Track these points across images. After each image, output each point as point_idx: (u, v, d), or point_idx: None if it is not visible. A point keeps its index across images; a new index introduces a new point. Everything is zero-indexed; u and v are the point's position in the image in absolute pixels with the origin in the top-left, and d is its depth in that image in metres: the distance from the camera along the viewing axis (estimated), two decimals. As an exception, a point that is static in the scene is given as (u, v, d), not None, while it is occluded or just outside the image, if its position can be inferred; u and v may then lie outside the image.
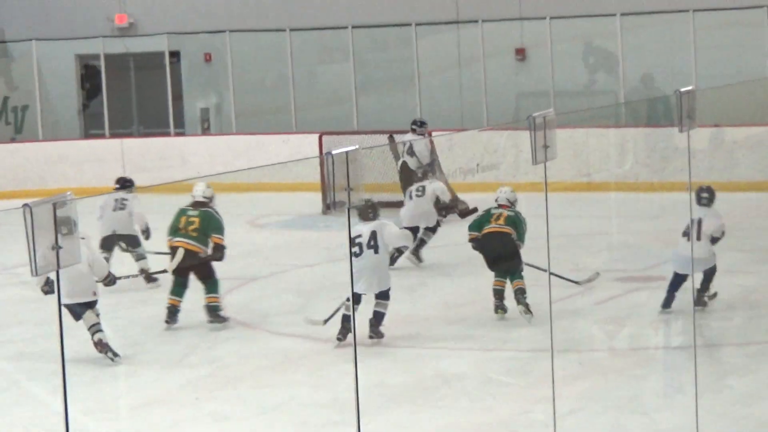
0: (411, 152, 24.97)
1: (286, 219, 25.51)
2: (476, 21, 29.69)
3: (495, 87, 29.19)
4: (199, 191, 16.24)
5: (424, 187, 18.96)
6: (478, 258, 16.93)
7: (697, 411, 9.20)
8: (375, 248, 15.80)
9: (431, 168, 25.15)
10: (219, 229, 17.89)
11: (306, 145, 27.74)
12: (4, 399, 14.09)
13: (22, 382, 15.13)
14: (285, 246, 23.64)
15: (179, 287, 16.79)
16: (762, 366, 13.70)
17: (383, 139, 25.81)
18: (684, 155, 9.58)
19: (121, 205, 20.54)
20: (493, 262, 16.98)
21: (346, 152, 8.35)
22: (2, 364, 16.27)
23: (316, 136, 27.16)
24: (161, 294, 18.38)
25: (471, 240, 17.17)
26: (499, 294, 16.55)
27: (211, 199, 17.10)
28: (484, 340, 16.20)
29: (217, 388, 14.65)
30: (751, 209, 21.56)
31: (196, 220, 17.23)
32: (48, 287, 15.19)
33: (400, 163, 25.07)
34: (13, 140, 32.10)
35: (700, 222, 15.52)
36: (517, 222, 17.05)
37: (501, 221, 16.88)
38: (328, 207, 24.80)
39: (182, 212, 17.15)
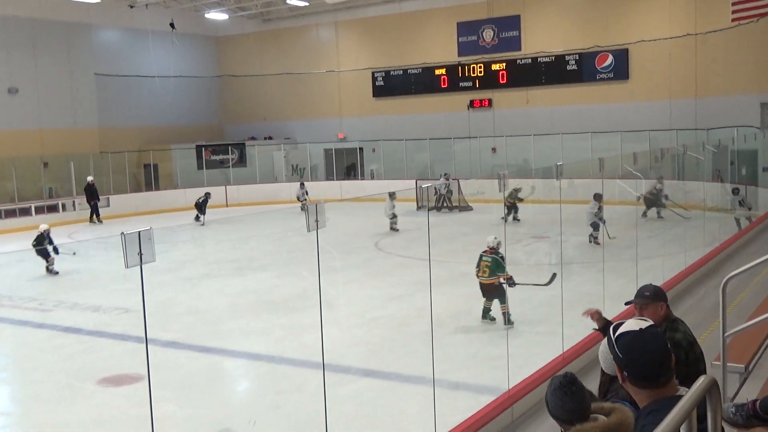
0: (446, 187, 25.77)
1: (404, 211, 22.84)
2: (475, 137, 30.55)
3: (483, 161, 29.69)
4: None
5: None
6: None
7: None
8: None
9: (451, 193, 26.25)
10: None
11: (410, 183, 27.64)
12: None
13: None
14: (404, 221, 22.22)
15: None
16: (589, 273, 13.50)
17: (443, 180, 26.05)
18: (557, 189, 8.99)
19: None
20: None
21: (427, 186, 12.21)
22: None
23: (414, 180, 28.15)
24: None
25: None
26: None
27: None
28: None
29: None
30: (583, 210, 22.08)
31: None
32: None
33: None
34: (299, 180, 31.07)
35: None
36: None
37: None
38: (418, 207, 24.35)
39: None
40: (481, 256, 10.87)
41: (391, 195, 21.22)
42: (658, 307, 4.47)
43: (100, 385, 9.07)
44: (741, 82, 24.51)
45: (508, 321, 10.62)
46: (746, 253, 14.40)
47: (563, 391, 3.14)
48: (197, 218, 24.87)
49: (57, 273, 16.30)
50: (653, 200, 20.14)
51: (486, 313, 10.93)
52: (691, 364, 4.40)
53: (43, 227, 16.72)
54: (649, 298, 4.49)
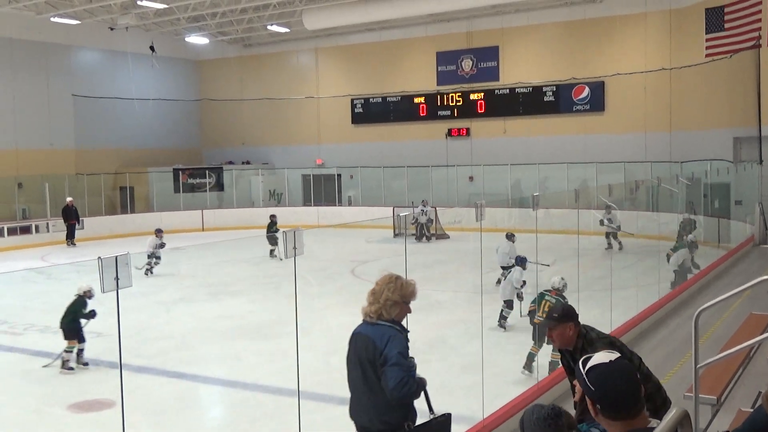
0: (425, 216, 25.51)
1: (380, 238, 25.09)
2: (453, 165, 31.25)
3: (460, 190, 30.41)
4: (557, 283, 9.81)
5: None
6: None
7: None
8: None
9: (431, 221, 25.87)
10: None
11: (387, 211, 27.61)
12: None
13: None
14: (381, 248, 23.45)
15: None
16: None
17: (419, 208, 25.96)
18: (533, 219, 8.94)
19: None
20: None
21: (405, 214, 11.67)
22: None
23: (391, 207, 27.86)
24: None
25: None
26: None
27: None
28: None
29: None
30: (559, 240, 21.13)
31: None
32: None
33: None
34: (276, 206, 32.07)
35: None
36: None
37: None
38: (395, 234, 25.42)
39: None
40: (543, 295, 9.88)
41: None
42: (566, 328, 4.53)
43: (69, 411, 8.92)
44: (714, 117, 24.87)
45: (529, 367, 9.70)
46: (719, 285, 14.56)
47: (548, 423, 3.13)
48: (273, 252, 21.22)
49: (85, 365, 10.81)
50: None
51: (532, 359, 9.73)
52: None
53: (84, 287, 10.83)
54: (556, 319, 4.56)
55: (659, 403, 4.50)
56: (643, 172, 26.57)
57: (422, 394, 4.56)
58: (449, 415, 4.71)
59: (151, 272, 18.74)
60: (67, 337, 10.39)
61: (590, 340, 4.51)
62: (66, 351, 10.39)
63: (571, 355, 4.63)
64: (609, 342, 4.50)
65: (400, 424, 4.33)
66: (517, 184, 29.23)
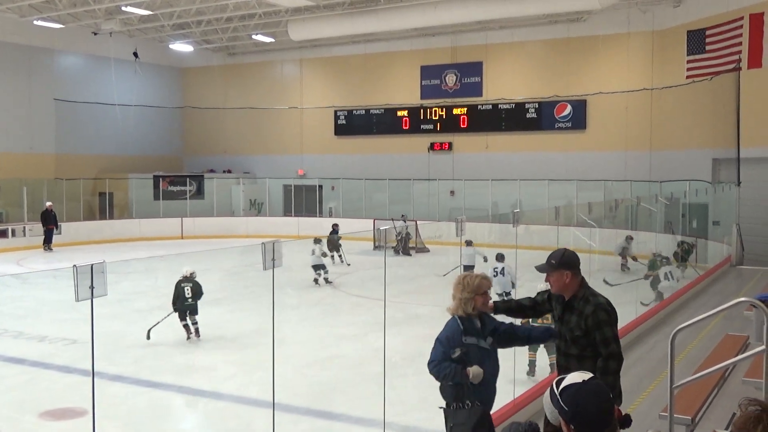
0: (405, 230, 25.35)
1: (360, 250, 24.45)
2: (434, 179, 31.46)
3: (441, 204, 30.60)
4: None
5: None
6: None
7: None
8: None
9: (410, 236, 25.92)
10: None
11: (368, 223, 27.95)
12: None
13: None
14: (364, 260, 23.41)
15: None
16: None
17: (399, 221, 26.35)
18: (514, 235, 8.81)
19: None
20: None
21: (385, 228, 11.86)
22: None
23: (371, 220, 28.36)
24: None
25: None
26: None
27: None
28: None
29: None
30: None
31: None
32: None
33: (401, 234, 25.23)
34: (256, 215, 32.81)
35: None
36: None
37: None
38: (375, 247, 25.01)
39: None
40: None
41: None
42: (562, 275, 4.59)
43: (41, 419, 8.82)
44: (694, 138, 25.13)
45: (533, 371, 10.03)
46: (695, 305, 14.57)
47: None
48: (339, 258, 22.99)
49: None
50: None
51: (533, 365, 10.16)
52: None
53: (189, 269, 13.48)
54: (553, 266, 4.62)
55: (615, 394, 4.52)
56: (623, 191, 26.74)
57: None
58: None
59: (328, 281, 19.18)
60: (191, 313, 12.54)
61: (593, 292, 4.62)
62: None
63: (565, 303, 4.68)
64: (608, 302, 4.60)
65: (450, 401, 4.94)
66: (499, 198, 29.14)
